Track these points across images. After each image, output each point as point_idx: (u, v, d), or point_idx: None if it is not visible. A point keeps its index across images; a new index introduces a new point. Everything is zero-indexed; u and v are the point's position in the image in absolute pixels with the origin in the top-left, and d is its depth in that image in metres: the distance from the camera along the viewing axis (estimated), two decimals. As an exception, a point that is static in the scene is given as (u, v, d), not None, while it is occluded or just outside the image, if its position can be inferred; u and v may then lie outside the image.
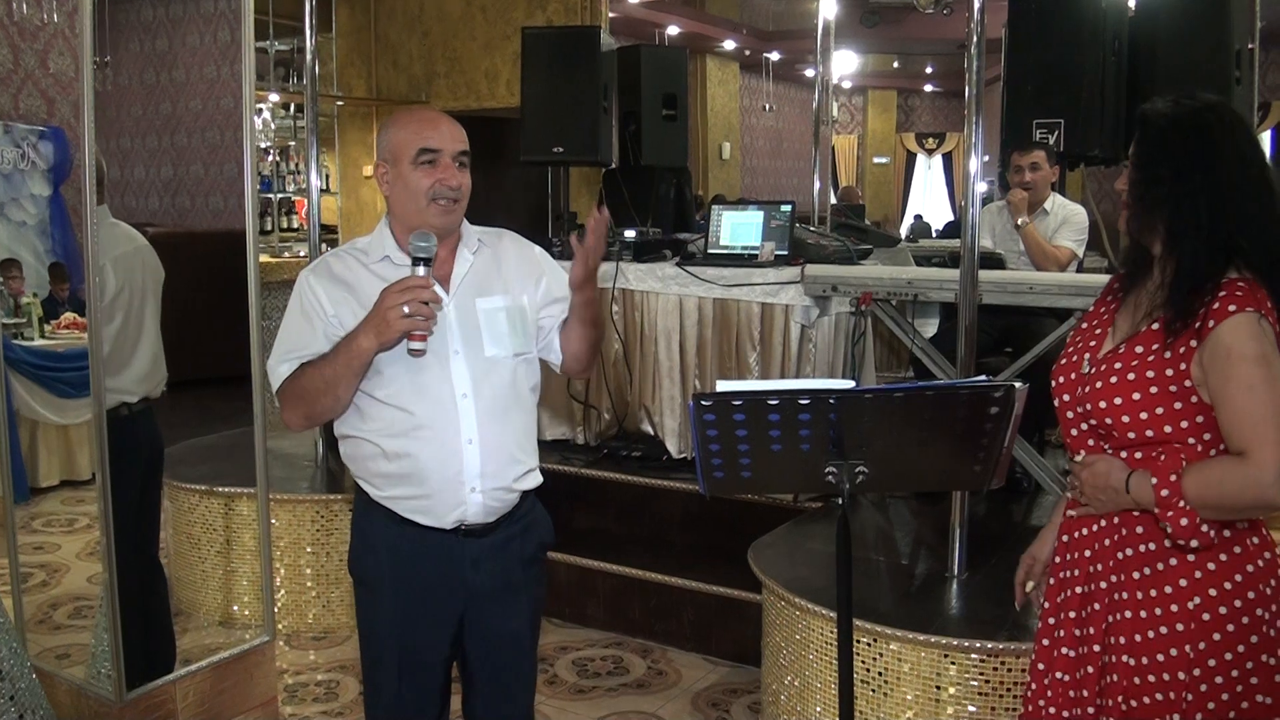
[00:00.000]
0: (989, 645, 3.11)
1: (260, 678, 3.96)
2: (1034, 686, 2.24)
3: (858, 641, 3.21)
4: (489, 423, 2.43)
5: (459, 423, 2.40)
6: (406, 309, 2.24)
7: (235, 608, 4.78)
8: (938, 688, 3.16)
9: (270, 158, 11.33)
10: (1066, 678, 2.15)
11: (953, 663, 3.14)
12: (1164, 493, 1.94)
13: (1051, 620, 2.20)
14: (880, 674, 3.23)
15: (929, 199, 19.75)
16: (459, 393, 2.41)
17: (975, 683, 3.12)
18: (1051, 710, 2.18)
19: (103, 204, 3.50)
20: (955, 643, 3.14)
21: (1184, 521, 1.93)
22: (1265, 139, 12.52)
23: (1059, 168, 5.20)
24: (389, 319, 2.25)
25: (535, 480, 2.56)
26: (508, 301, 2.50)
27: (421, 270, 2.28)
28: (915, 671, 3.18)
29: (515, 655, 2.61)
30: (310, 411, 2.41)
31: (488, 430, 2.42)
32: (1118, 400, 2.03)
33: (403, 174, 2.42)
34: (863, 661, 3.23)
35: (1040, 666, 2.23)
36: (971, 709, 3.13)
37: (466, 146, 2.46)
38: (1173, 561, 2.02)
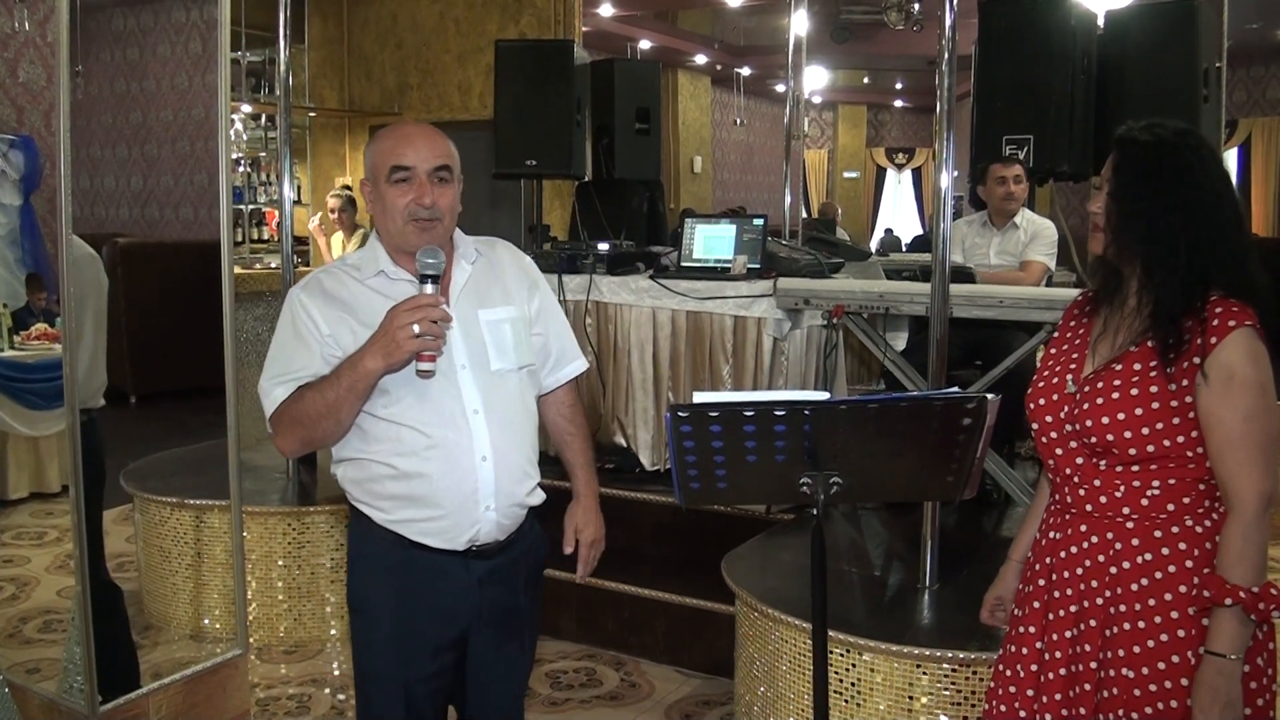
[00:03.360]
0: (961, 655, 3.14)
1: (233, 691, 3.93)
2: (1003, 708, 2.26)
3: (831, 652, 3.23)
4: (501, 438, 2.37)
5: (472, 440, 2.33)
6: (417, 328, 2.15)
7: (207, 621, 4.75)
8: (910, 698, 3.18)
9: (242, 169, 11.29)
10: (1060, 696, 2.17)
11: (925, 673, 3.17)
12: (1229, 602, 1.97)
13: (1039, 644, 2.22)
14: (853, 684, 3.25)
15: (899, 213, 19.87)
16: (470, 409, 2.34)
17: (947, 692, 3.15)
18: None
19: None
20: (927, 653, 3.17)
21: (1274, 591, 1.97)
22: (1232, 156, 12.68)
23: (1029, 183, 5.27)
24: (398, 339, 2.16)
25: (540, 495, 2.51)
26: (511, 312, 2.45)
27: (429, 288, 2.21)
28: (888, 682, 3.20)
29: (513, 682, 2.58)
30: (309, 436, 2.31)
31: (500, 446, 2.36)
32: (1120, 416, 2.07)
33: (381, 193, 2.36)
34: (836, 672, 3.25)
35: (1011, 690, 2.26)
36: (944, 718, 3.15)
37: (446, 160, 2.37)
38: (1171, 569, 2.06)
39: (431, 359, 2.22)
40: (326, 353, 2.31)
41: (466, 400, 2.34)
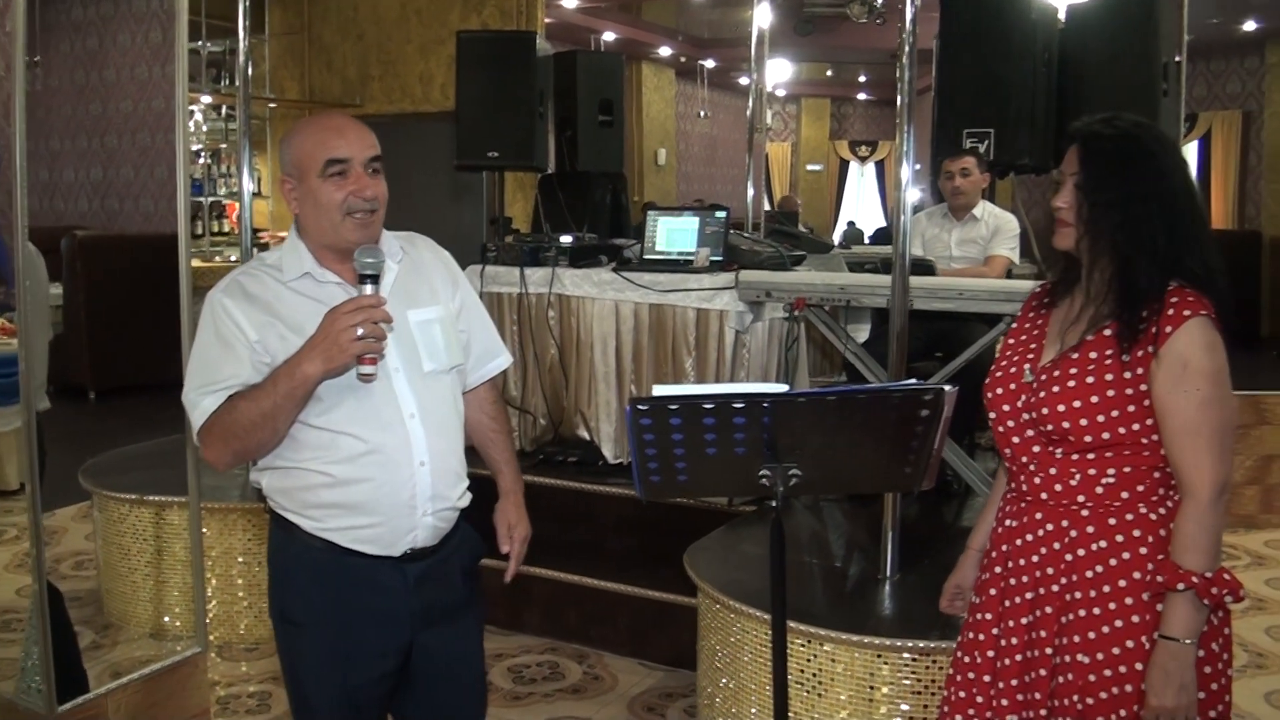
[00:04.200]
0: (921, 644, 3.16)
1: (193, 689, 3.90)
2: (961, 694, 2.29)
3: (792, 643, 3.24)
4: (437, 442, 2.32)
5: (411, 445, 2.28)
6: (360, 330, 2.09)
7: (167, 619, 4.70)
8: (871, 688, 3.20)
9: (201, 160, 11.19)
10: (1016, 681, 2.19)
11: (886, 663, 3.18)
12: (1181, 587, 1.99)
13: (995, 631, 2.24)
14: (814, 675, 3.26)
15: (862, 206, 19.94)
16: (406, 413, 2.28)
17: (908, 681, 3.17)
18: (995, 716, 2.22)
19: None
20: (888, 643, 3.18)
21: (1227, 576, 2.00)
22: (1192, 149, 12.80)
23: (989, 175, 5.30)
24: (341, 343, 2.08)
25: (469, 497, 2.46)
26: (439, 312, 2.40)
27: (369, 288, 2.15)
28: (849, 672, 3.22)
29: (469, 677, 2.53)
30: (243, 448, 2.21)
31: (437, 450, 2.32)
32: (1076, 404, 2.09)
33: (311, 189, 2.24)
34: (797, 663, 3.26)
35: (970, 676, 2.27)
36: (905, 707, 3.17)
37: (378, 151, 2.29)
38: (1126, 556, 2.08)
39: (373, 362, 2.16)
40: (256, 360, 2.21)
41: (403, 404, 2.29)
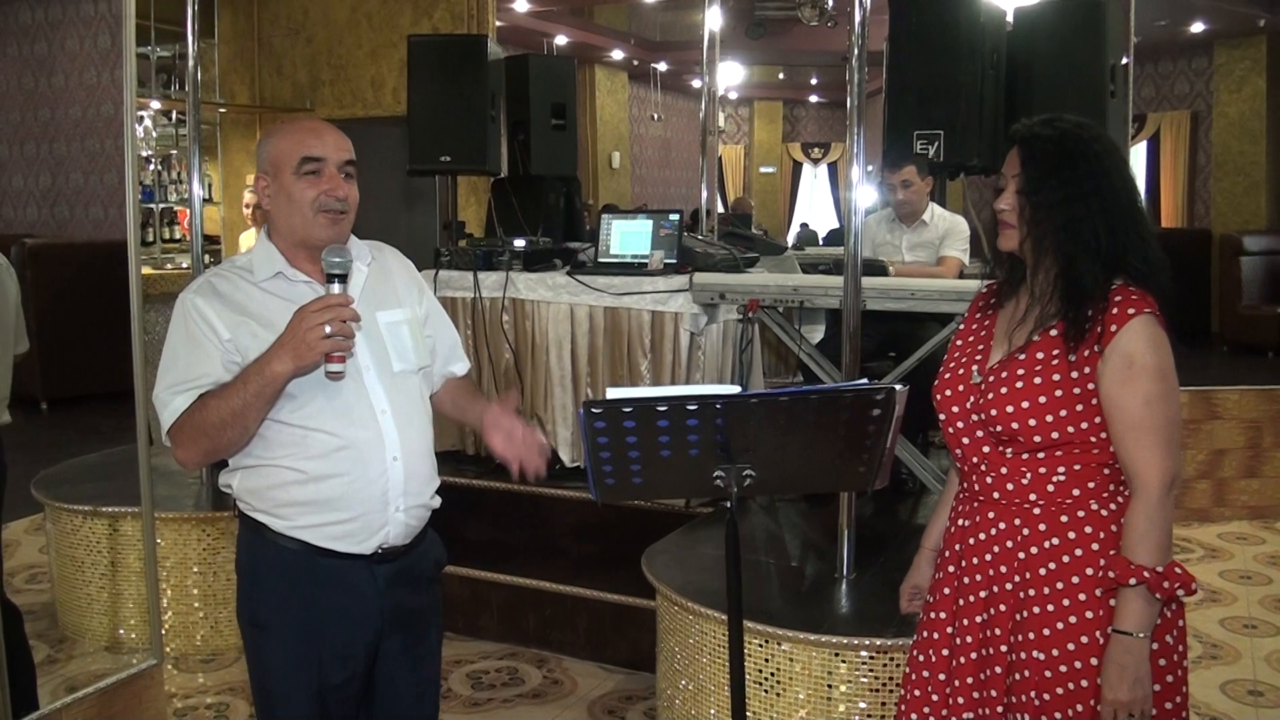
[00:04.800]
0: (878, 642, 3.18)
1: (149, 702, 3.86)
2: (917, 693, 2.31)
3: (749, 643, 3.26)
4: (408, 438, 2.36)
5: (383, 440, 2.32)
6: (329, 328, 2.13)
7: (122, 631, 4.66)
8: (829, 686, 3.22)
9: (152, 167, 11.06)
10: (971, 679, 2.21)
11: (843, 661, 3.20)
12: (1133, 582, 2.01)
13: (950, 629, 2.26)
14: (772, 674, 3.28)
15: (815, 208, 20.02)
16: (378, 409, 2.32)
17: (865, 680, 3.19)
18: (951, 714, 2.24)
19: None
20: (845, 641, 3.21)
21: (1178, 570, 2.02)
22: (1140, 150, 12.96)
23: (931, 179, 5.36)
24: (309, 340, 2.12)
25: (438, 500, 2.49)
26: (407, 314, 2.45)
27: (337, 287, 2.19)
28: (807, 671, 3.24)
29: (428, 684, 2.54)
30: (213, 446, 2.24)
31: (408, 446, 2.36)
32: (1024, 404, 2.11)
33: (285, 185, 2.30)
34: (754, 663, 3.27)
35: (925, 675, 2.29)
36: (862, 705, 3.20)
37: (352, 156, 2.36)
38: (1078, 552, 2.10)
39: (341, 360, 2.20)
40: (227, 359, 2.25)
41: (375, 401, 2.33)
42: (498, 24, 9.61)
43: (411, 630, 2.45)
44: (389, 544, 2.37)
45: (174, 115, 11.05)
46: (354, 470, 2.29)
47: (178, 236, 11.13)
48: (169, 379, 2.26)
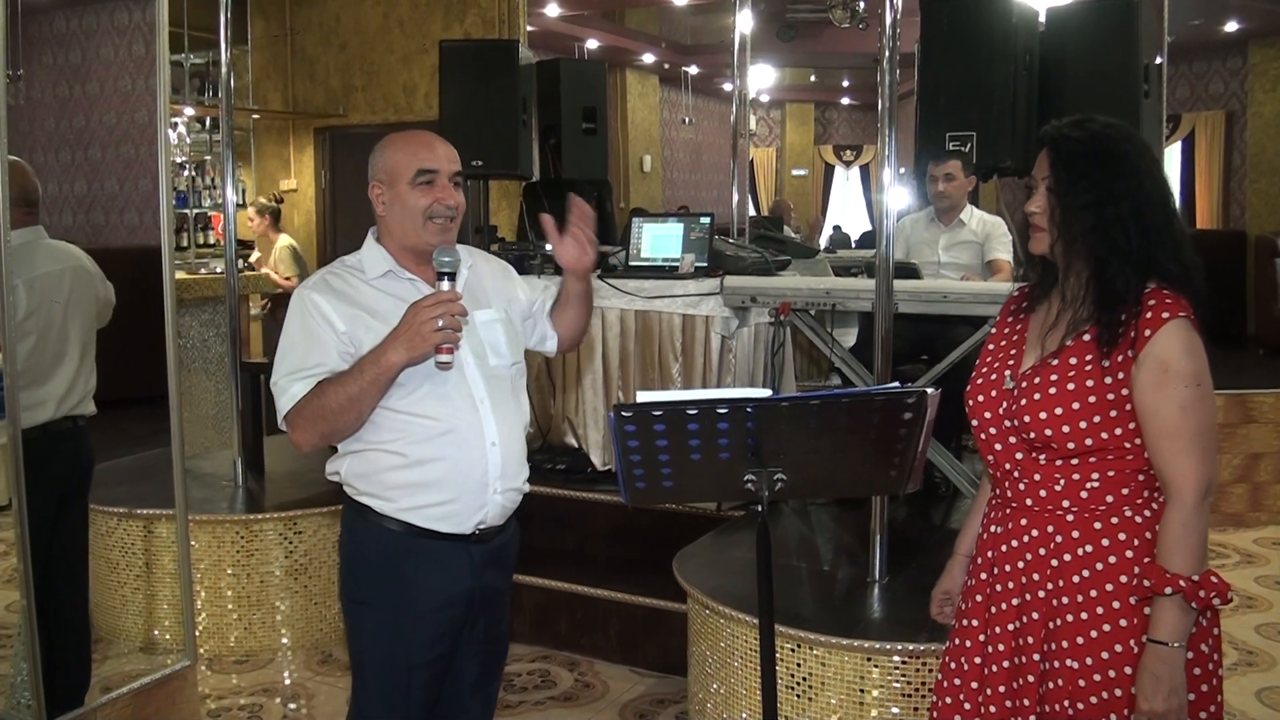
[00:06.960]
0: (910, 647, 3.17)
1: (182, 703, 3.89)
2: (949, 701, 2.29)
3: (781, 648, 3.25)
4: (504, 426, 2.52)
5: (482, 426, 2.48)
6: (440, 322, 2.28)
7: (156, 632, 4.69)
8: (861, 691, 3.21)
9: (186, 172, 11.14)
10: (1004, 688, 2.18)
11: (876, 666, 3.19)
12: (1169, 591, 1.99)
13: (982, 637, 2.24)
14: (804, 679, 3.27)
15: (847, 210, 19.95)
16: (478, 398, 2.48)
17: (898, 684, 3.17)
18: None
19: (38, 224, 3.63)
20: (878, 646, 3.19)
21: (1214, 579, 1.99)
22: (1175, 150, 12.83)
23: (974, 178, 5.32)
24: (423, 333, 2.28)
25: (528, 486, 2.66)
26: (500, 314, 2.62)
27: (447, 284, 2.34)
28: (839, 675, 3.23)
29: (497, 662, 2.73)
30: (329, 430, 2.40)
31: (505, 433, 2.52)
32: (1058, 411, 2.09)
33: (400, 194, 2.49)
34: (787, 667, 3.26)
35: (957, 683, 2.27)
36: (895, 710, 3.18)
37: (460, 167, 2.56)
38: (1112, 560, 2.08)
39: (450, 351, 2.34)
40: (342, 349, 2.42)
41: (474, 391, 2.49)
42: (529, 29, 9.62)
43: (493, 612, 2.62)
44: (487, 524, 2.52)
45: (208, 121, 11.13)
46: (456, 454, 2.45)
47: (212, 241, 11.20)
48: (286, 366, 2.43)
